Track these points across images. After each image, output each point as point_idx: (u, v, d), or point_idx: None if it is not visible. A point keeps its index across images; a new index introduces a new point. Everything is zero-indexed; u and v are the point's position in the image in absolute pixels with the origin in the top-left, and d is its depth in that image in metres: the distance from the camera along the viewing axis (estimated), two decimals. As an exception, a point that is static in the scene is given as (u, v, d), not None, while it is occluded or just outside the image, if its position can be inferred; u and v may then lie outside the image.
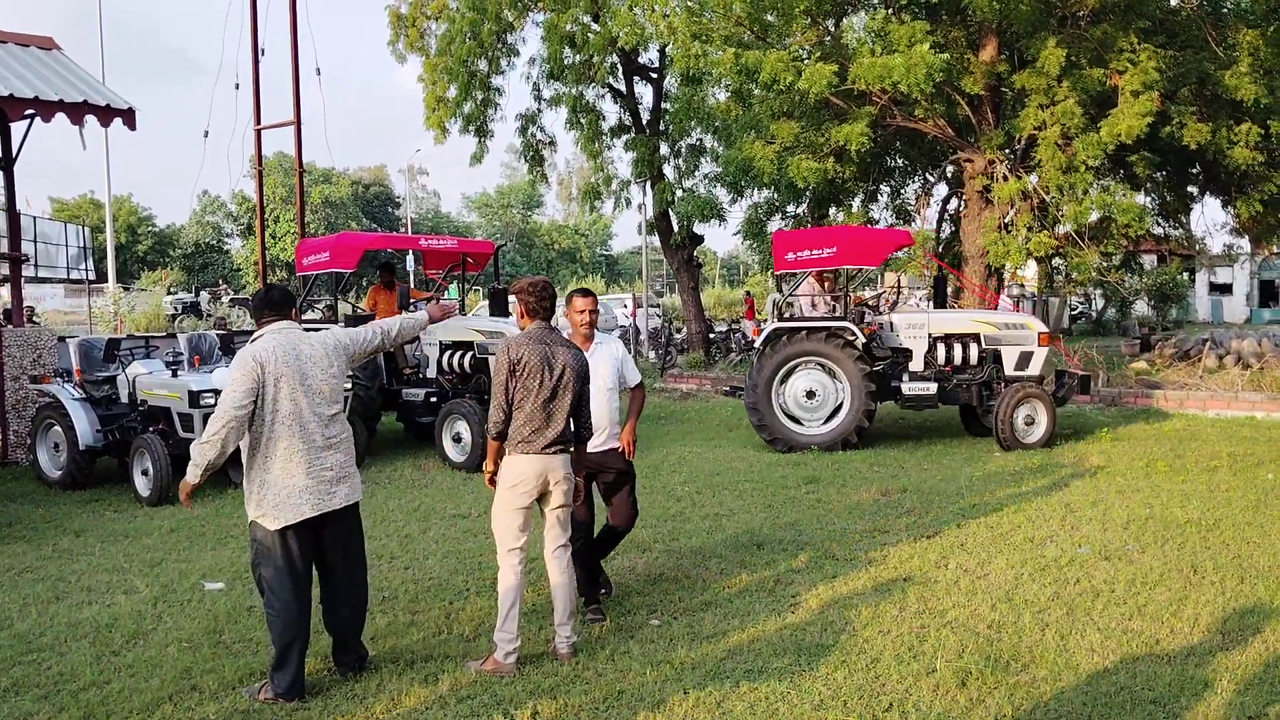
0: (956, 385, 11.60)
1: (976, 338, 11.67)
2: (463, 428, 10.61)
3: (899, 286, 14.83)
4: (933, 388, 11.49)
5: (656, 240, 22.68)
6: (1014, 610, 5.57)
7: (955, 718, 4.22)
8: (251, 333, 5.03)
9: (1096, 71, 13.97)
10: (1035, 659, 4.85)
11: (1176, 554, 6.64)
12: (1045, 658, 4.85)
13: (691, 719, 4.27)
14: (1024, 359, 11.45)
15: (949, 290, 17.15)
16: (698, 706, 4.38)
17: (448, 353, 11.61)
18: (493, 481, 5.02)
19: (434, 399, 11.31)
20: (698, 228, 20.74)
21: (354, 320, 11.22)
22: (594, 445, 5.37)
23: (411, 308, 12.02)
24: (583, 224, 73.08)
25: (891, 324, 11.94)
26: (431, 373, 11.74)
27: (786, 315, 12.02)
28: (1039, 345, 11.40)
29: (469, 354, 11.40)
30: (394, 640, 5.34)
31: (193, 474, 4.59)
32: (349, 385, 4.99)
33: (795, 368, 11.48)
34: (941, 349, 11.72)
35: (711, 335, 22.26)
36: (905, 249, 14.85)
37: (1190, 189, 20.74)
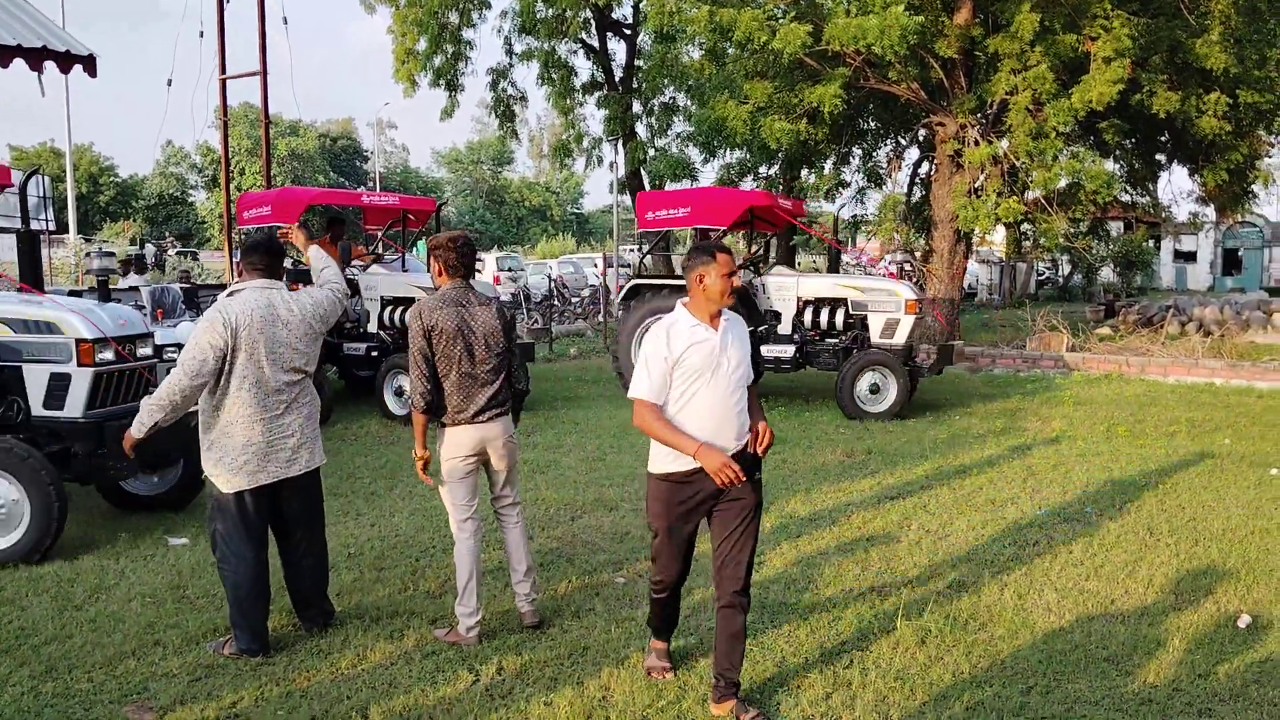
0: (820, 350, 11.39)
1: (844, 302, 11.37)
2: (403, 381, 10.78)
3: (767, 248, 14.56)
4: (790, 350, 11.25)
5: (628, 199, 22.58)
6: (974, 570, 5.66)
7: (914, 675, 4.29)
8: (214, 287, 4.94)
9: (1069, 37, 14.00)
10: (994, 618, 4.93)
11: (1133, 517, 6.77)
12: (1003, 617, 4.94)
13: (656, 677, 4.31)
14: (890, 326, 11.07)
15: (917, 255, 17.22)
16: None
17: (389, 308, 11.73)
18: (425, 469, 4.74)
19: (375, 353, 11.39)
20: (670, 187, 20.67)
21: (295, 275, 11.12)
22: (693, 464, 3.96)
23: (354, 265, 11.99)
24: (553, 181, 72.58)
25: (764, 286, 11.75)
26: (373, 327, 11.82)
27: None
28: (905, 313, 11.00)
29: (408, 309, 11.38)
30: (360, 596, 5.34)
31: (137, 429, 4.52)
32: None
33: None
34: (809, 312, 11.49)
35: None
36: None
37: (1158, 157, 20.92)
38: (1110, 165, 20.54)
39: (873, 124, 20.16)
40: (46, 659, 4.54)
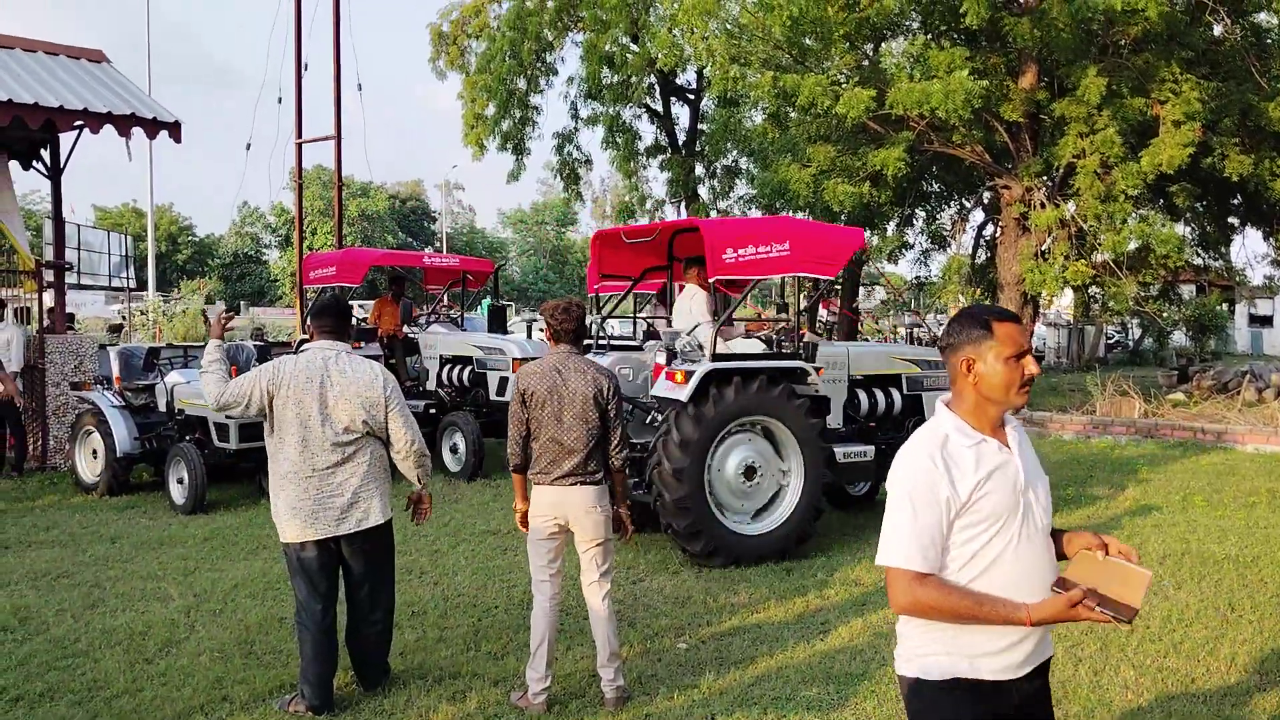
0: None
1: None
2: (459, 439, 10.91)
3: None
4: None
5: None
6: (1046, 644, 5.50)
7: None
8: (285, 344, 5.06)
9: (1137, 101, 13.90)
10: (1068, 694, 4.79)
11: (1213, 591, 6.54)
12: (1079, 694, 4.79)
13: (719, 745, 4.25)
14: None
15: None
16: (725, 732, 4.36)
17: (447, 366, 11.92)
18: (524, 521, 4.82)
19: (433, 411, 11.56)
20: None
21: (358, 334, 11.38)
22: (1032, 660, 2.58)
23: (413, 324, 12.22)
24: (616, 242, 73.22)
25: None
26: (431, 385, 12.04)
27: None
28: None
29: (468, 368, 11.69)
30: (422, 656, 5.36)
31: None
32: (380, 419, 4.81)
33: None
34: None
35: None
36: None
37: (1231, 220, 20.57)
38: (1181, 228, 20.22)
39: (936, 186, 20.14)
40: (118, 712, 4.62)
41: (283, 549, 4.74)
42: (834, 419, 8.25)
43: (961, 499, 2.45)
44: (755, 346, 8.26)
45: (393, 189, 66.54)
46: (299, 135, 18.97)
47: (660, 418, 7.36)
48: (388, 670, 5.00)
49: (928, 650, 2.52)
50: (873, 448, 8.26)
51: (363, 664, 4.92)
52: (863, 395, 8.64)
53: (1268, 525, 8.57)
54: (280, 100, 20.15)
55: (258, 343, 12.91)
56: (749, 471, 7.34)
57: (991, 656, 2.48)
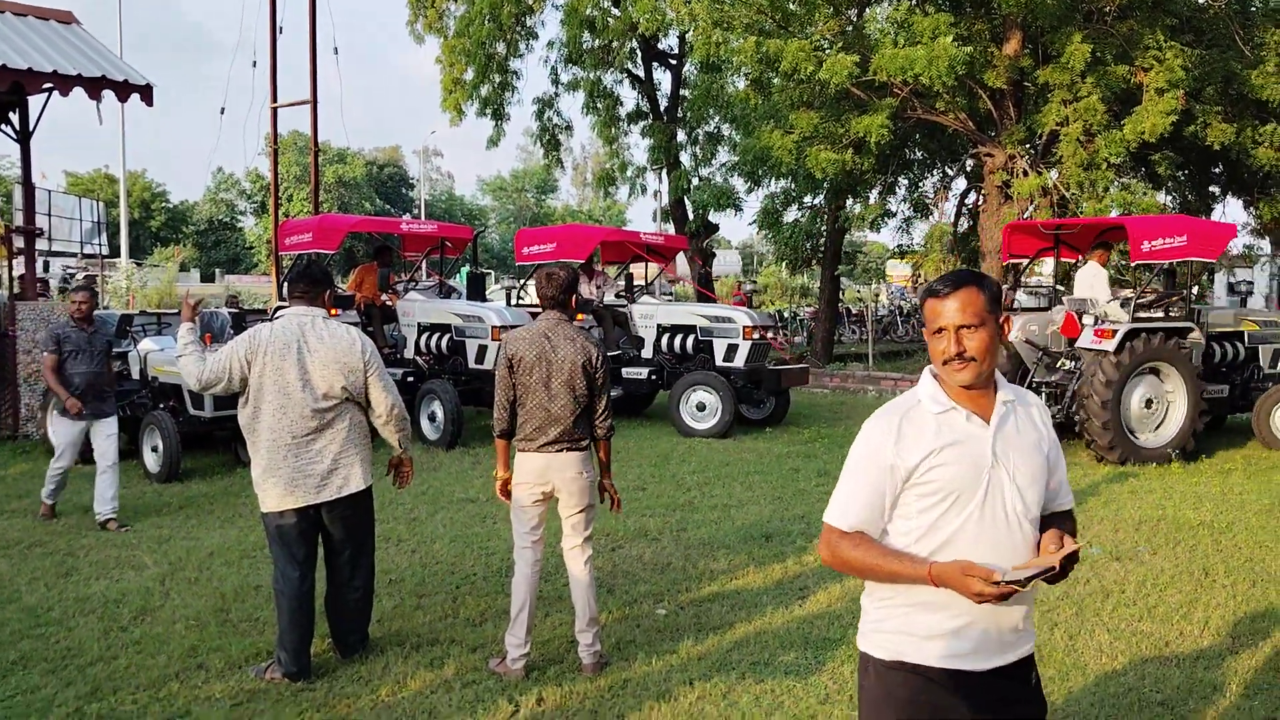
0: (672, 373, 12.07)
1: (693, 329, 12.20)
2: (437, 407, 10.86)
3: (630, 279, 14.60)
4: (644, 372, 12.11)
5: (671, 228, 22.62)
6: (1023, 609, 5.53)
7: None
8: (260, 312, 4.98)
9: (1121, 68, 13.84)
10: (1044, 658, 4.81)
11: (1188, 556, 6.59)
12: (1054, 657, 4.82)
13: (697, 710, 4.25)
14: (731, 350, 11.90)
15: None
16: (703, 698, 4.36)
17: (425, 334, 11.89)
18: (505, 490, 4.78)
19: (411, 379, 11.48)
20: (713, 216, 20.69)
21: (335, 301, 11.26)
22: (985, 652, 2.41)
23: (391, 292, 12.15)
24: (597, 209, 72.98)
25: (630, 314, 12.76)
26: (409, 353, 12.01)
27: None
28: (744, 338, 11.79)
29: (446, 336, 11.69)
30: (400, 623, 5.34)
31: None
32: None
33: None
34: (665, 339, 12.37)
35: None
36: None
37: (1212, 189, 20.60)
38: (1163, 197, 20.25)
39: (919, 154, 20.05)
40: (92, 680, 4.58)
41: (261, 517, 4.69)
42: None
43: (908, 466, 2.37)
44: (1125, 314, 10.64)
45: (370, 155, 65.96)
46: (274, 100, 18.72)
47: (1070, 363, 10.38)
48: (366, 638, 4.97)
49: (881, 626, 2.48)
50: (1227, 386, 11.17)
51: (341, 631, 4.89)
52: (1217, 347, 11.28)
53: (1242, 491, 8.64)
54: (255, 64, 19.78)
55: (232, 310, 12.77)
56: (1149, 402, 10.03)
57: (939, 640, 2.37)
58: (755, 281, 31.09)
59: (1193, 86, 14.08)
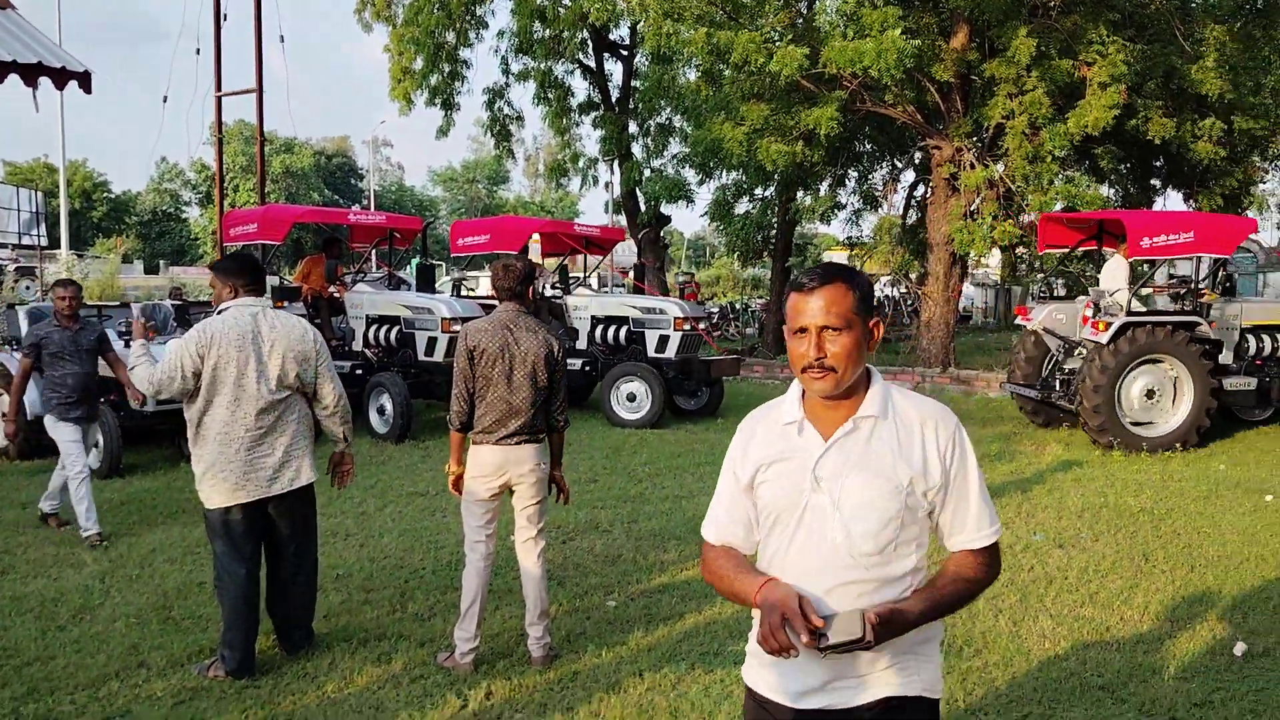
0: (606, 364, 12.27)
1: (626, 321, 12.38)
2: (386, 400, 10.76)
3: (564, 271, 14.73)
4: (578, 364, 12.22)
5: (623, 219, 22.60)
6: (969, 596, 5.60)
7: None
8: (205, 304, 4.88)
9: (1065, 62, 14.04)
10: (988, 644, 4.88)
11: (1129, 542, 6.72)
12: (998, 644, 4.89)
13: (646, 701, 4.25)
14: (662, 341, 12.05)
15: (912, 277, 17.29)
16: (653, 689, 4.36)
17: (374, 326, 11.77)
18: (457, 485, 4.72)
19: (359, 372, 11.36)
20: (665, 208, 20.69)
21: (281, 292, 11.11)
22: (783, 682, 2.22)
23: (338, 283, 12.01)
24: (549, 201, 72.74)
25: (565, 306, 12.86)
26: (358, 346, 11.87)
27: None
28: (675, 330, 11.95)
29: (395, 328, 11.58)
30: (347, 618, 5.28)
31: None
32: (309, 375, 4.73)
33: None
34: (599, 330, 12.57)
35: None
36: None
37: (1154, 182, 21.00)
38: (1106, 190, 20.61)
39: (869, 146, 20.19)
40: (28, 680, 4.47)
41: (205, 513, 4.59)
42: (1226, 357, 10.93)
43: (746, 477, 2.23)
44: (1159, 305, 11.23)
45: (318, 145, 65.09)
46: (218, 88, 18.38)
47: (1085, 352, 10.56)
48: (311, 634, 4.91)
49: (750, 647, 2.28)
50: (1255, 379, 10.86)
51: (286, 627, 4.82)
52: (1252, 340, 11.11)
53: (1181, 478, 8.83)
54: (199, 52, 19.41)
55: (175, 302, 12.53)
56: (1150, 393, 10.17)
57: (767, 669, 2.22)
58: (691, 274, 31.17)
59: (1134, 81, 14.34)
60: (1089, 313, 10.50)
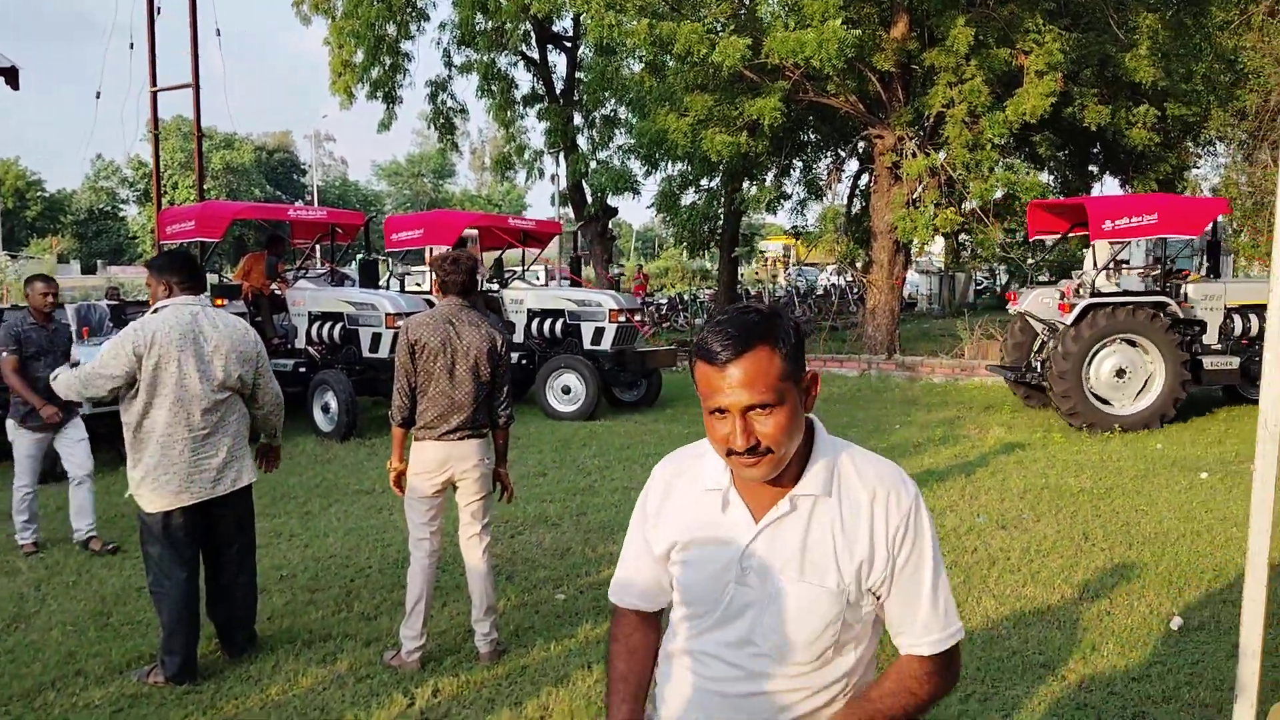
0: (543, 357, 12.40)
1: (562, 313, 12.46)
2: (331, 398, 10.63)
3: (499, 264, 14.77)
4: (514, 356, 12.25)
5: (571, 212, 22.54)
6: (914, 580, 5.66)
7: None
8: (142, 304, 4.76)
9: (1003, 51, 14.25)
10: (933, 627, 4.93)
11: (1069, 522, 6.85)
12: (943, 626, 4.94)
13: (595, 694, 4.25)
14: (598, 333, 12.18)
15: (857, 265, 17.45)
16: (601, 681, 4.35)
17: (317, 323, 11.63)
18: (399, 483, 4.66)
19: (303, 370, 11.23)
20: (611, 200, 20.65)
21: (221, 290, 10.93)
22: None
23: (280, 280, 11.85)
24: (496, 194, 72.35)
25: (501, 300, 12.94)
26: (300, 343, 11.74)
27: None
28: (610, 321, 12.04)
29: (339, 325, 11.46)
30: (291, 620, 5.20)
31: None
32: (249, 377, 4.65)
33: None
34: (535, 323, 12.66)
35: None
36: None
37: (1091, 168, 21.39)
38: (1045, 176, 20.95)
39: (813, 136, 20.34)
40: (-41, 693, 4.35)
41: (141, 517, 4.48)
42: (1209, 338, 10.97)
43: (656, 551, 1.89)
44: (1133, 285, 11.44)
45: (259, 140, 64.08)
46: (153, 83, 18.00)
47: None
48: (254, 636, 4.83)
49: None
50: (1239, 358, 10.80)
51: (228, 630, 4.73)
52: (1238, 319, 11.08)
53: (1120, 458, 9.01)
54: (133, 46, 19.05)
55: (111, 302, 12.24)
56: (1120, 372, 10.35)
57: None
58: (622, 265, 31.23)
59: (1070, 69, 14.59)
60: (1053, 296, 10.88)
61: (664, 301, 27.48)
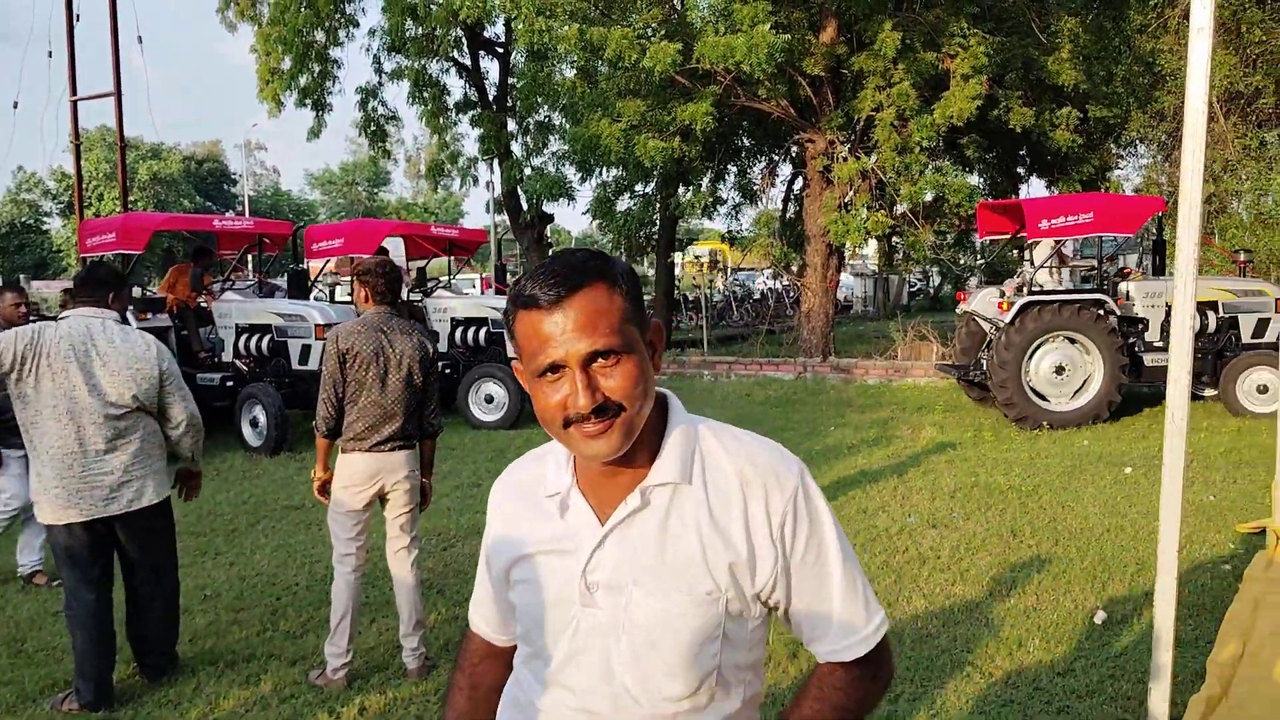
0: (467, 366, 12.17)
1: (485, 321, 12.46)
2: (259, 412, 10.37)
3: (421, 273, 14.77)
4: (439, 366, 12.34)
5: (506, 219, 22.41)
6: (846, 581, 5.69)
7: (785, 691, 4.27)
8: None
9: (930, 55, 14.46)
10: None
11: (998, 520, 6.94)
12: (873, 626, 4.97)
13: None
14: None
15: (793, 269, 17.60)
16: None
17: (244, 335, 11.36)
18: (323, 491, 4.57)
19: (230, 383, 10.98)
20: (547, 206, 20.55)
21: (144, 304, 10.66)
22: None
23: (205, 292, 11.60)
24: (431, 202, 71.74)
25: (425, 309, 12.83)
26: (228, 357, 11.47)
27: None
28: None
29: (267, 337, 11.20)
30: (214, 640, 5.07)
31: None
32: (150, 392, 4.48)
33: None
34: (459, 332, 12.61)
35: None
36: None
37: (1019, 170, 21.81)
38: (974, 179, 21.30)
39: (746, 141, 20.43)
40: None
41: (48, 534, 4.34)
42: (1151, 335, 11.14)
43: (494, 571, 1.61)
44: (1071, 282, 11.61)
45: (188, 150, 62.76)
46: (73, 92, 17.56)
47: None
48: (175, 659, 4.69)
49: None
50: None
51: (145, 653, 4.60)
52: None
53: (1048, 456, 9.17)
54: (51, 54, 18.56)
55: (35, 318, 11.85)
56: (1059, 369, 10.56)
57: None
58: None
59: (995, 72, 14.85)
60: (993, 296, 11.15)
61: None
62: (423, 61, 19.18)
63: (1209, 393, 11.47)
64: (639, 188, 19.41)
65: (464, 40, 19.80)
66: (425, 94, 19.44)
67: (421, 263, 14.26)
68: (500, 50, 20.69)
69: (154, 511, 4.46)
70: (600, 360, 1.35)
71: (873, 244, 25.14)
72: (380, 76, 20.21)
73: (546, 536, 1.49)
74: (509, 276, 19.07)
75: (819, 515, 1.47)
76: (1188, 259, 2.38)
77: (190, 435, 4.55)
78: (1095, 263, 12.34)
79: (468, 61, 20.35)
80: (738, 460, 1.46)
